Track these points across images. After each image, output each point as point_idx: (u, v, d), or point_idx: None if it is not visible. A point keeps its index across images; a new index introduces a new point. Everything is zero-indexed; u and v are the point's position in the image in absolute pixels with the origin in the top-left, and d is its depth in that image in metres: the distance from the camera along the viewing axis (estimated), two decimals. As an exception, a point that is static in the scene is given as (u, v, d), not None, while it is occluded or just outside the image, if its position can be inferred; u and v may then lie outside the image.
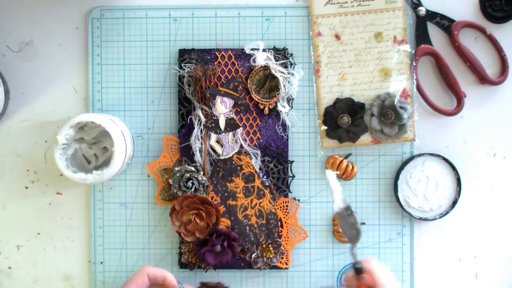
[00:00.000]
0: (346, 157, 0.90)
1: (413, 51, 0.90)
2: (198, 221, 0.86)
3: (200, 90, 0.88)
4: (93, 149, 0.88)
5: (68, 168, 0.82)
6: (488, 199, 0.91)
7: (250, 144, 0.89)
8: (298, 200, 0.90)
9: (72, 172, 0.81)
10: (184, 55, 0.89)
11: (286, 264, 0.89)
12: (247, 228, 0.88)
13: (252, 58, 0.88)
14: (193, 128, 0.88)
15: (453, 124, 0.91)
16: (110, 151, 0.87)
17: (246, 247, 0.88)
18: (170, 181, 0.87)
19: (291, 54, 0.89)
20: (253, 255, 0.88)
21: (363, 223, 0.90)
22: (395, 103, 0.87)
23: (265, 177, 0.89)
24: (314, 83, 0.90)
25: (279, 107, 0.89)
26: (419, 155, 0.89)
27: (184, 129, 0.89)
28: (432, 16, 0.90)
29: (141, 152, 0.90)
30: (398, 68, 0.89)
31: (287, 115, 0.89)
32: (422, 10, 0.90)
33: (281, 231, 0.89)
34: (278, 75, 0.88)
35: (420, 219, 0.89)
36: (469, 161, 0.91)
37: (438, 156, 0.89)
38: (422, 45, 0.89)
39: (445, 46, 0.91)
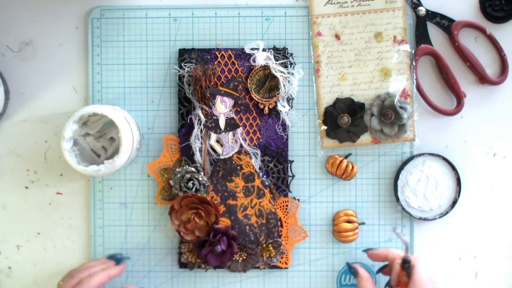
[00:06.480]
0: (346, 157, 0.90)
1: (413, 51, 0.90)
2: (197, 220, 0.86)
3: (200, 89, 0.88)
4: (100, 142, 0.88)
5: (80, 164, 0.82)
6: (488, 199, 0.91)
7: (250, 144, 0.89)
8: (298, 200, 0.90)
9: (84, 166, 0.82)
10: (184, 54, 0.89)
11: (286, 263, 0.89)
12: (247, 227, 0.88)
13: (252, 57, 0.88)
14: (193, 128, 0.88)
15: (453, 124, 0.91)
16: (117, 140, 0.87)
17: (247, 246, 0.88)
18: (171, 182, 0.87)
19: (291, 54, 0.89)
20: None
21: (362, 223, 0.90)
22: (395, 103, 0.87)
23: (265, 176, 0.89)
24: (314, 83, 0.90)
25: (279, 107, 0.89)
26: (419, 155, 0.89)
27: (184, 129, 0.89)
28: (432, 16, 0.90)
29: (141, 151, 0.90)
30: (398, 68, 0.89)
31: (287, 114, 0.89)
32: (422, 10, 0.90)
33: (281, 231, 0.89)
34: (278, 74, 0.88)
35: (420, 219, 0.89)
36: (469, 161, 0.91)
37: (438, 156, 0.89)
38: (422, 45, 0.89)
39: (445, 46, 0.91)
